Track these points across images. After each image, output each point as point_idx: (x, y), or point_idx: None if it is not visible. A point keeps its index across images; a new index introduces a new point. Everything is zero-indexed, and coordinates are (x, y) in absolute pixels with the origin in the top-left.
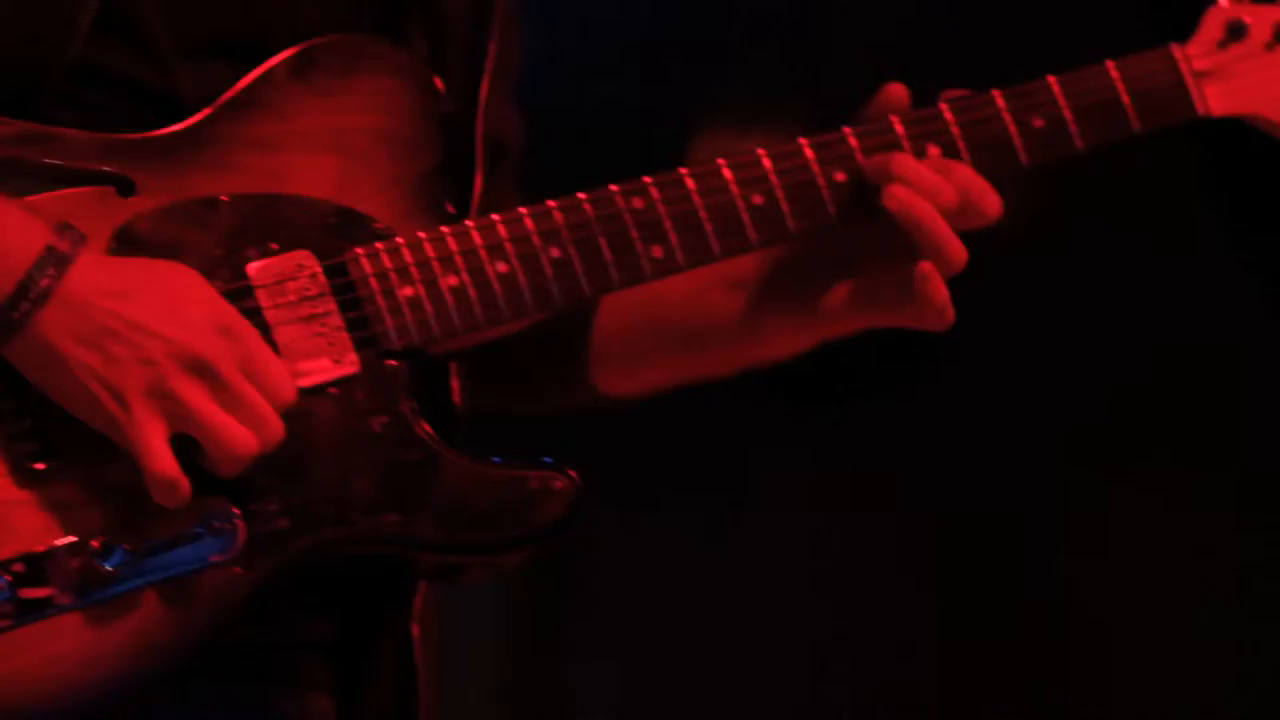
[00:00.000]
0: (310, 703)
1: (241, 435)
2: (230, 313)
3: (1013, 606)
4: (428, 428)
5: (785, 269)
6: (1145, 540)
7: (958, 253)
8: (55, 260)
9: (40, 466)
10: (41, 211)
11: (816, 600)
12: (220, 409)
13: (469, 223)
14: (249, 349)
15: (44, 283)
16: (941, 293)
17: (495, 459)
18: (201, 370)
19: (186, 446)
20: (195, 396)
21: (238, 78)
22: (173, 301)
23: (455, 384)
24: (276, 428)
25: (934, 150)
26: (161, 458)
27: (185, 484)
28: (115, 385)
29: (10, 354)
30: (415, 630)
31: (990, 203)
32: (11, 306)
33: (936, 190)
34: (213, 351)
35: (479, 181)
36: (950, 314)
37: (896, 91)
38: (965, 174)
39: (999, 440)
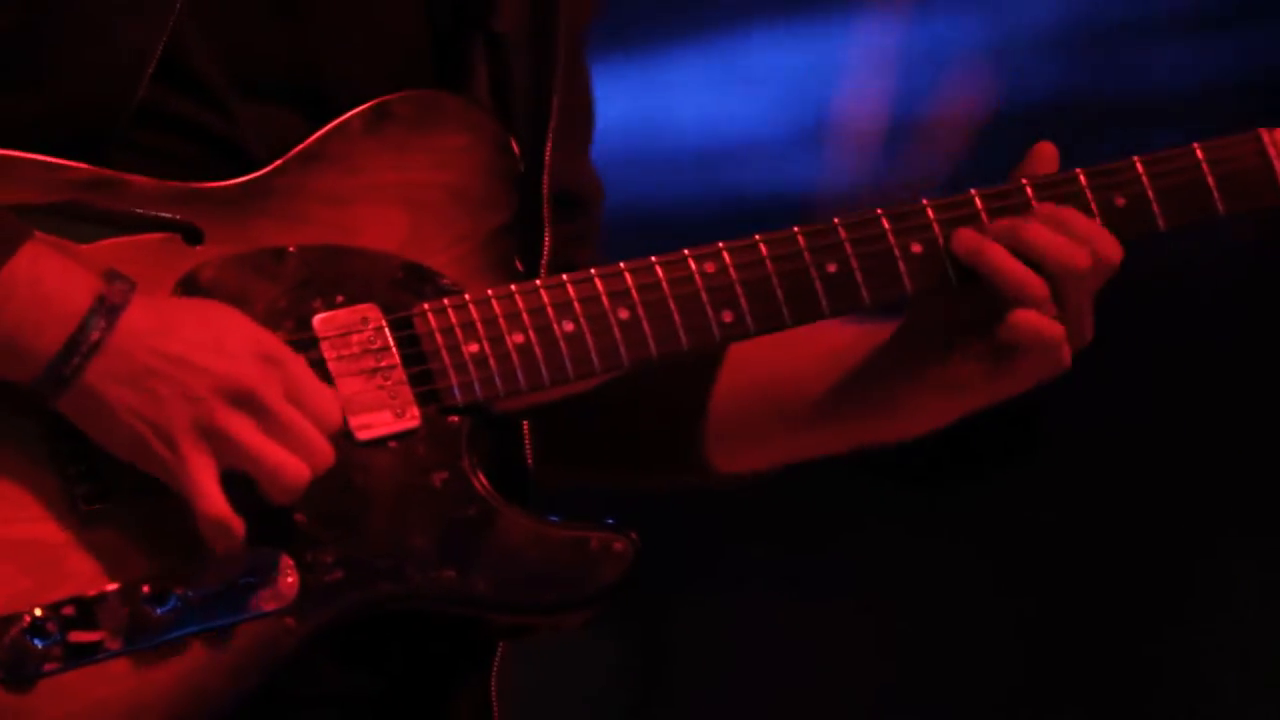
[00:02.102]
0: None
1: (292, 464)
2: (271, 340)
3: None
4: (487, 484)
5: (923, 338)
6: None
7: (1036, 287)
8: (106, 311)
9: (95, 508)
10: (89, 260)
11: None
12: (268, 439)
13: (537, 281)
14: (292, 375)
15: (94, 336)
16: (1041, 328)
17: (554, 518)
18: (246, 401)
19: (245, 492)
20: (242, 429)
21: (298, 122)
22: (213, 333)
23: (528, 442)
24: (326, 453)
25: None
26: (211, 498)
27: (238, 525)
28: (161, 425)
29: (60, 406)
30: (494, 689)
31: (1110, 248)
32: (63, 362)
33: (1049, 245)
34: (256, 380)
35: (547, 240)
36: (1065, 356)
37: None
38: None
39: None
